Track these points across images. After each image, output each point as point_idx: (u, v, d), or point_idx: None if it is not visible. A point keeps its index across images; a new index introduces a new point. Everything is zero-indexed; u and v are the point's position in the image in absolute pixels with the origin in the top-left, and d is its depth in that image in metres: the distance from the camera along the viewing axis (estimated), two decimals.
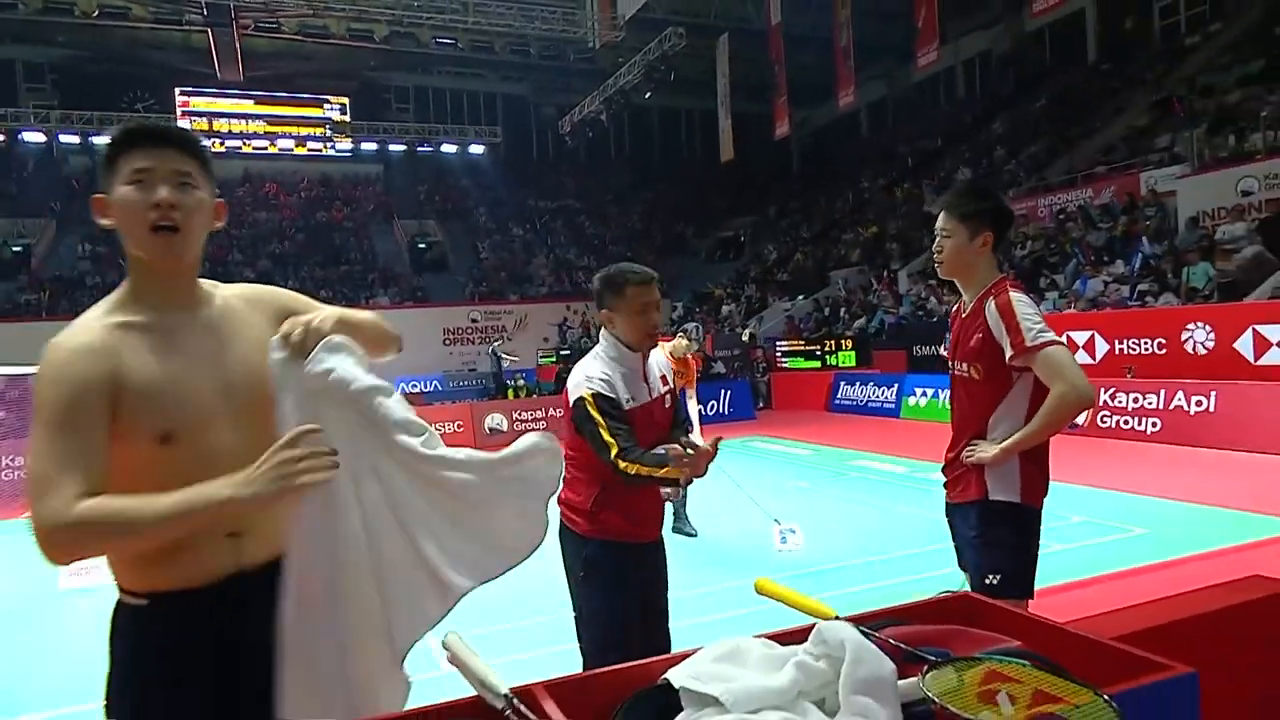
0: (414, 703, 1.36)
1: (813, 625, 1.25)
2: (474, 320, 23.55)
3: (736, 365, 16.43)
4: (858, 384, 13.85)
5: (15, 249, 22.54)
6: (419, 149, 29.51)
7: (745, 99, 26.17)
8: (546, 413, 13.14)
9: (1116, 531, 5.62)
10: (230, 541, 1.42)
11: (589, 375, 2.44)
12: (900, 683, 1.14)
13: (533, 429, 13.20)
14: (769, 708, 1.11)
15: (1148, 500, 6.44)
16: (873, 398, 13.30)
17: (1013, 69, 26.33)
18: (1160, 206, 14.60)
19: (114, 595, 1.46)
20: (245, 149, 27.62)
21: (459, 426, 12.68)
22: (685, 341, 6.43)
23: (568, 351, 18.39)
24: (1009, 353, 2.29)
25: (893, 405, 12.83)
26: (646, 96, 24.47)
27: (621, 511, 2.49)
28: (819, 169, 31.84)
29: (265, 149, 27.94)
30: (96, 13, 23.77)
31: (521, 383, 17.20)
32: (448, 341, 23.04)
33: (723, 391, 14.47)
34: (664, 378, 2.64)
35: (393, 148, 29.35)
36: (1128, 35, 23.01)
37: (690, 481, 2.52)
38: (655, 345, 2.55)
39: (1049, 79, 24.54)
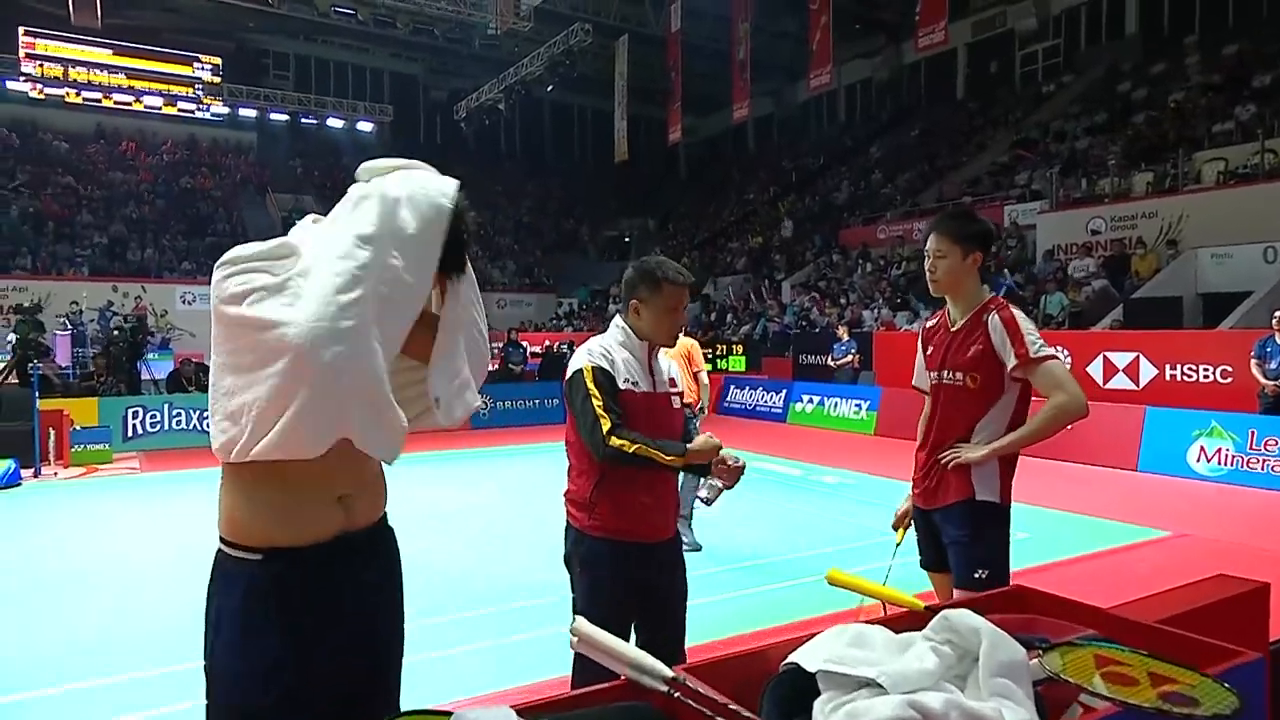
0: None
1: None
2: None
3: None
4: (747, 388, 14.30)
5: None
6: (302, 120, 28.00)
7: (639, 102, 26.45)
8: None
9: None
10: (340, 503, 1.50)
11: (590, 350, 2.40)
12: None
13: None
14: (924, 689, 1.19)
15: (1026, 508, 7.05)
16: (761, 402, 13.79)
17: (890, 97, 27.88)
18: (1021, 238, 15.93)
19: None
20: (106, 103, 25.25)
21: None
22: None
23: None
24: (1011, 363, 2.46)
25: (780, 410, 13.36)
26: (549, 90, 24.31)
27: (620, 504, 2.35)
28: (706, 177, 32.60)
29: (129, 104, 25.60)
30: None
31: None
32: None
33: None
34: (672, 380, 2.55)
35: (273, 117, 27.65)
36: (992, 78, 24.85)
37: (716, 497, 2.54)
38: (671, 345, 2.53)
39: (921, 111, 26.15)
